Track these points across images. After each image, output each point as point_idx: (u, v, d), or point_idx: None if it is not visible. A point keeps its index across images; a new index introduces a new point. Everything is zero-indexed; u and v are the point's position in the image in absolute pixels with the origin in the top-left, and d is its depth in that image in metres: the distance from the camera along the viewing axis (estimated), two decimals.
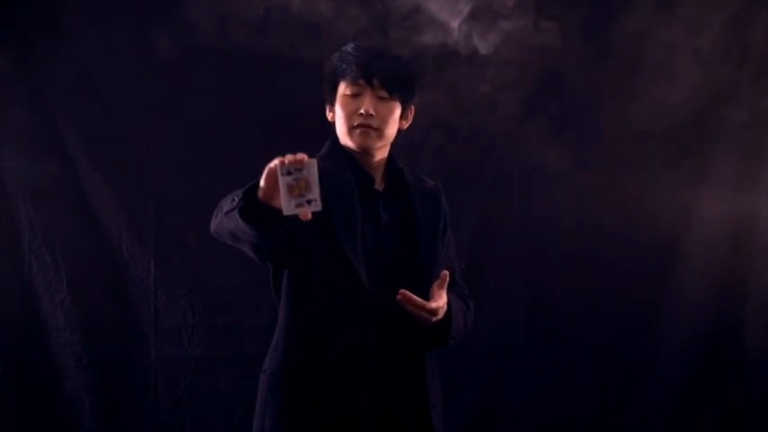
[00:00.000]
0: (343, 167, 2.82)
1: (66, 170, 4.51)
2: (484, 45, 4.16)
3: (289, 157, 2.30)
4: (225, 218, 2.52)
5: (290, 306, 2.80)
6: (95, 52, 4.49)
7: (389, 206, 2.85)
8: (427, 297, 2.64)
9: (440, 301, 2.65)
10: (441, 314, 2.67)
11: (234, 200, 2.47)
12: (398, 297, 2.58)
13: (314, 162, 2.30)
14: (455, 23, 3.96)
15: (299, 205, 2.29)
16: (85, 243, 4.53)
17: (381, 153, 2.86)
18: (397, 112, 2.83)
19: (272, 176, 2.32)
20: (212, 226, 2.68)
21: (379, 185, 2.87)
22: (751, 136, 4.42)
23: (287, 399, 2.75)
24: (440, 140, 4.44)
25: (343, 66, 2.80)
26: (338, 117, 2.84)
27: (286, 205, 2.29)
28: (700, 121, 4.42)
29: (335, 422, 2.70)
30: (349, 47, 2.83)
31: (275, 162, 2.31)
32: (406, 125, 2.91)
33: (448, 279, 2.71)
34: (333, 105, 2.86)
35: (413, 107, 2.91)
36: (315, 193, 2.29)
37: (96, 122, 4.52)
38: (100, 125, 4.52)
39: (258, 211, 2.40)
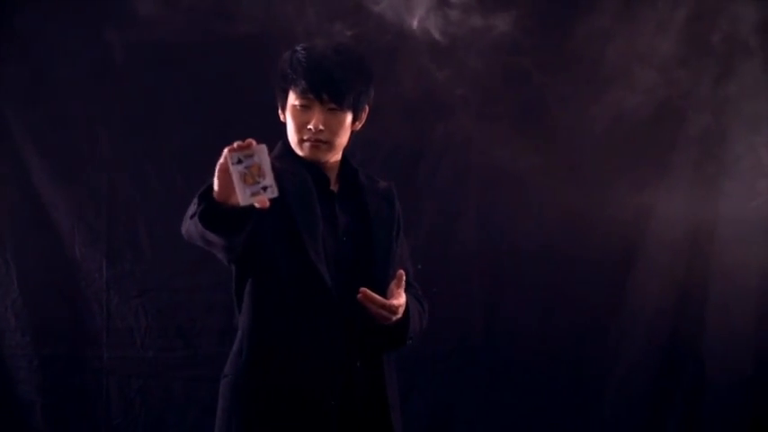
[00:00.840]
0: (299, 168, 2.80)
1: (17, 171, 4.48)
2: (440, 44, 4.20)
3: (237, 143, 2.27)
4: (191, 223, 2.49)
5: (255, 310, 2.76)
6: (46, 52, 4.46)
7: (345, 207, 2.85)
8: (384, 297, 2.65)
9: (400, 299, 2.67)
10: (400, 313, 2.68)
11: (195, 205, 2.44)
12: (359, 296, 2.58)
13: (263, 147, 2.27)
14: (412, 20, 3.99)
15: (254, 194, 2.25)
16: (37, 243, 4.50)
17: (335, 157, 2.86)
18: (349, 119, 2.81)
19: (224, 171, 2.28)
20: (183, 231, 2.64)
21: (333, 186, 2.87)
22: (709, 138, 4.42)
23: (254, 406, 2.73)
24: (396, 141, 4.45)
25: (293, 75, 2.77)
26: (288, 126, 2.82)
27: (242, 195, 2.26)
28: (658, 123, 4.43)
29: (306, 427, 2.69)
30: (300, 53, 2.78)
31: (224, 153, 2.28)
32: (359, 126, 2.89)
33: (404, 279, 2.70)
34: (284, 109, 2.85)
35: (367, 108, 2.89)
36: (269, 179, 2.26)
37: (48, 124, 4.49)
38: (51, 127, 4.49)
39: (219, 212, 2.36)
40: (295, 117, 2.79)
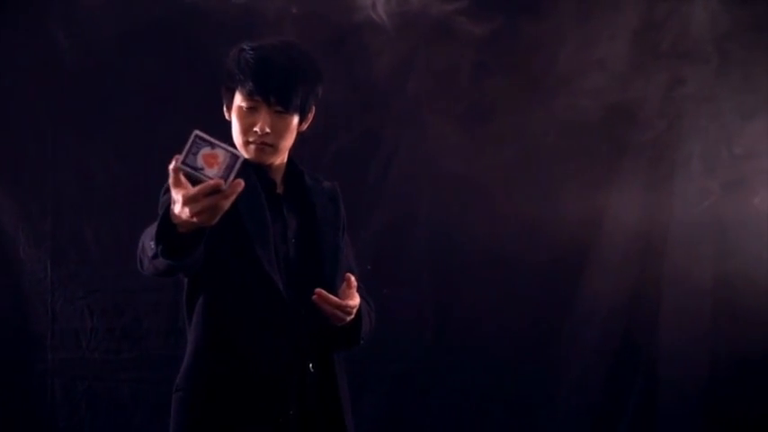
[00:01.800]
0: (245, 171, 2.70)
1: None
2: (392, 42, 4.23)
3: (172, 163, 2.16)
4: (153, 262, 2.40)
5: (206, 322, 2.72)
6: None
7: (292, 209, 2.83)
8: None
9: (354, 300, 2.68)
10: (353, 313, 2.69)
11: (152, 244, 2.33)
12: (314, 297, 2.58)
13: (195, 133, 2.14)
14: (362, 13, 4.04)
15: (228, 167, 2.14)
16: None
17: (280, 159, 2.83)
18: (295, 122, 2.77)
19: (179, 182, 2.17)
20: (141, 268, 2.55)
21: (279, 188, 2.84)
22: (661, 141, 4.47)
23: (211, 419, 2.69)
24: (343, 140, 4.45)
25: (240, 76, 2.73)
26: (234, 127, 2.78)
27: (217, 174, 2.13)
28: (611, 126, 4.46)
29: None
30: (247, 52, 2.74)
31: (170, 169, 2.16)
32: (305, 126, 2.85)
33: (354, 281, 2.70)
34: (229, 109, 2.81)
35: (313, 109, 2.85)
36: (225, 147, 2.15)
37: None
38: None
39: (176, 234, 2.26)
40: (241, 119, 2.75)
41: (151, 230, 2.37)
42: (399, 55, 4.33)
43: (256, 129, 2.70)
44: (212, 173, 2.12)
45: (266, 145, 2.73)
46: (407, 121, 4.53)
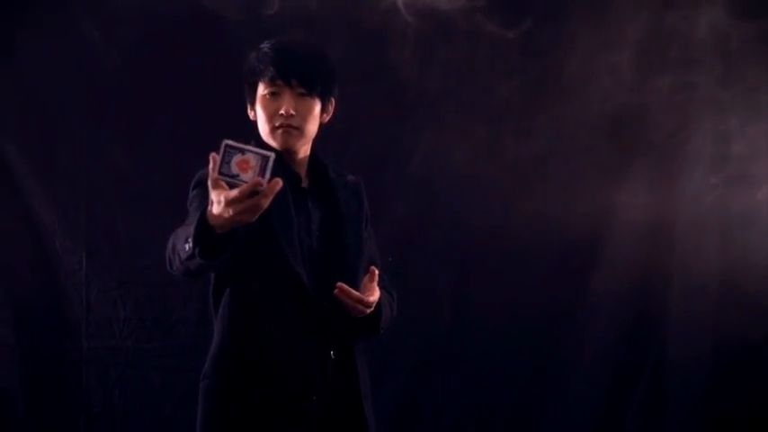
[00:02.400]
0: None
1: (0, 168, 4.53)
2: (411, 42, 4.30)
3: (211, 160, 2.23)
4: (186, 263, 2.43)
5: (232, 313, 2.77)
6: (26, 49, 4.51)
7: (316, 203, 2.87)
8: (357, 290, 2.70)
9: (374, 294, 2.71)
10: (373, 307, 2.73)
11: (188, 246, 2.37)
12: (335, 291, 2.62)
13: (225, 142, 2.20)
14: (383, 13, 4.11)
15: (263, 168, 2.20)
16: (18, 237, 4.55)
17: (304, 151, 2.88)
18: (317, 108, 2.83)
19: (218, 182, 2.23)
20: (171, 268, 2.58)
21: (304, 182, 2.89)
22: (670, 141, 4.54)
23: (236, 408, 2.75)
24: (365, 136, 4.52)
25: (261, 66, 2.80)
26: (259, 118, 2.84)
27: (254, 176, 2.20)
28: (623, 127, 4.55)
29: (288, 424, 2.73)
30: (266, 46, 2.83)
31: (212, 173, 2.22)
32: (327, 118, 2.92)
33: (377, 274, 2.74)
34: (253, 105, 2.87)
35: (333, 100, 2.92)
36: (258, 152, 2.22)
37: (29, 120, 4.55)
38: (33, 123, 4.55)
39: (213, 234, 2.32)
40: (265, 107, 2.81)
41: (182, 233, 2.44)
42: (419, 55, 4.37)
43: (281, 111, 2.77)
44: (248, 177, 2.18)
45: (292, 128, 2.79)
46: (426, 120, 4.59)
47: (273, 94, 2.80)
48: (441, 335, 4.65)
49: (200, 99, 4.46)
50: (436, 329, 4.65)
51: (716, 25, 4.29)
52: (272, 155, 2.21)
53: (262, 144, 2.82)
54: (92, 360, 4.55)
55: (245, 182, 2.18)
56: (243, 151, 2.19)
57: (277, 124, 2.79)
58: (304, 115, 2.81)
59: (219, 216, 2.24)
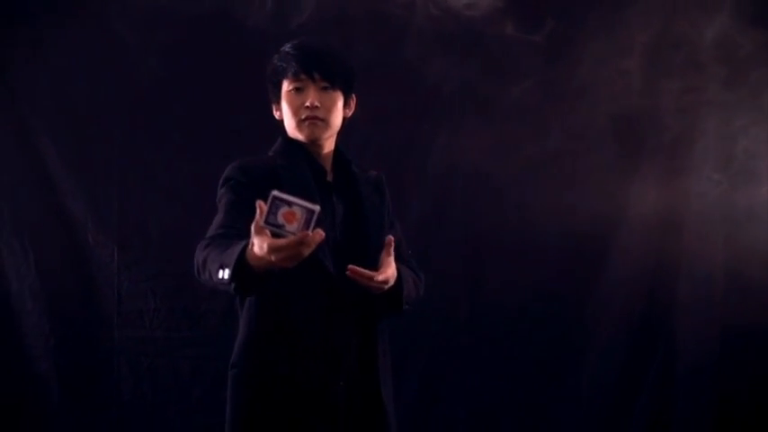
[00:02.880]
0: (298, 160, 2.91)
1: (36, 165, 4.61)
2: (429, 42, 4.42)
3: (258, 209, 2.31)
4: (218, 286, 2.54)
5: (259, 305, 2.84)
6: (59, 47, 4.60)
7: (340, 197, 2.96)
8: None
9: (388, 271, 2.74)
10: (392, 281, 2.77)
11: (222, 274, 2.47)
12: (348, 273, 2.66)
13: (274, 194, 2.30)
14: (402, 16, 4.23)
15: (307, 221, 2.30)
16: (53, 231, 4.63)
17: (329, 144, 2.99)
18: (340, 101, 2.95)
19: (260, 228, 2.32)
20: (200, 278, 2.68)
21: (329, 176, 2.97)
22: (678, 141, 4.65)
23: (265, 396, 2.82)
24: (385, 135, 4.60)
25: (284, 65, 2.92)
26: (285, 113, 2.95)
27: (296, 230, 2.30)
28: (634, 127, 4.66)
29: (315, 411, 2.81)
30: (287, 47, 2.95)
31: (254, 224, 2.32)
32: (349, 113, 3.03)
33: (393, 245, 2.79)
34: (279, 104, 2.98)
35: (354, 96, 3.03)
36: (305, 205, 2.31)
37: (63, 119, 4.63)
38: (66, 118, 4.63)
39: (251, 271, 2.41)
40: (290, 102, 2.91)
41: (217, 257, 2.54)
42: (436, 58, 4.48)
43: (307, 104, 2.89)
44: (292, 228, 2.27)
45: (318, 119, 2.89)
46: (443, 119, 4.70)
47: (298, 90, 2.92)
48: (456, 325, 4.73)
49: (227, 99, 4.54)
50: (453, 319, 4.73)
51: (722, 32, 4.38)
52: (318, 209, 2.28)
53: (288, 139, 2.96)
54: (123, 350, 4.64)
55: (290, 232, 2.28)
56: (290, 204, 2.28)
57: (303, 117, 2.90)
58: (329, 107, 2.93)
59: (261, 259, 2.35)
